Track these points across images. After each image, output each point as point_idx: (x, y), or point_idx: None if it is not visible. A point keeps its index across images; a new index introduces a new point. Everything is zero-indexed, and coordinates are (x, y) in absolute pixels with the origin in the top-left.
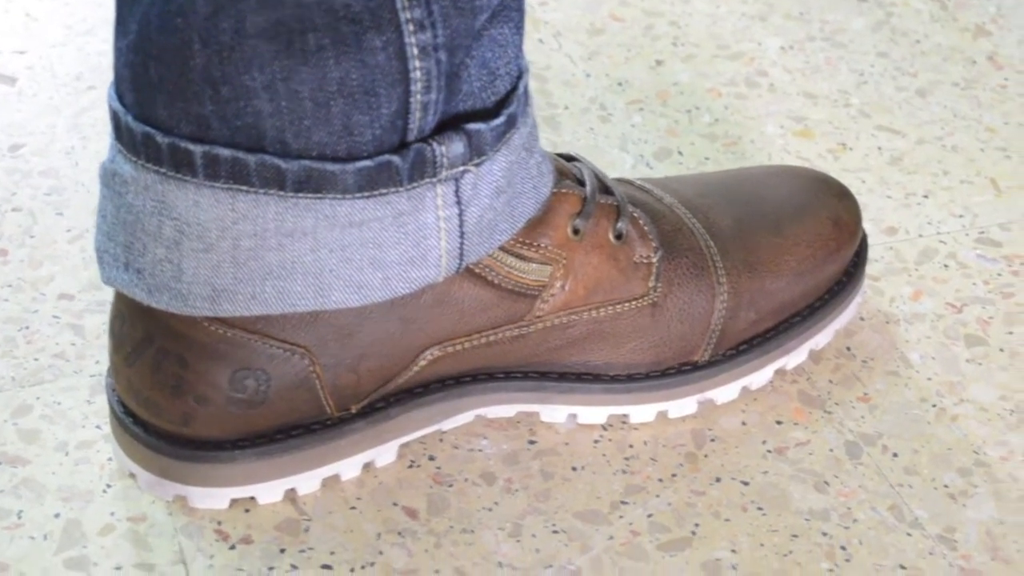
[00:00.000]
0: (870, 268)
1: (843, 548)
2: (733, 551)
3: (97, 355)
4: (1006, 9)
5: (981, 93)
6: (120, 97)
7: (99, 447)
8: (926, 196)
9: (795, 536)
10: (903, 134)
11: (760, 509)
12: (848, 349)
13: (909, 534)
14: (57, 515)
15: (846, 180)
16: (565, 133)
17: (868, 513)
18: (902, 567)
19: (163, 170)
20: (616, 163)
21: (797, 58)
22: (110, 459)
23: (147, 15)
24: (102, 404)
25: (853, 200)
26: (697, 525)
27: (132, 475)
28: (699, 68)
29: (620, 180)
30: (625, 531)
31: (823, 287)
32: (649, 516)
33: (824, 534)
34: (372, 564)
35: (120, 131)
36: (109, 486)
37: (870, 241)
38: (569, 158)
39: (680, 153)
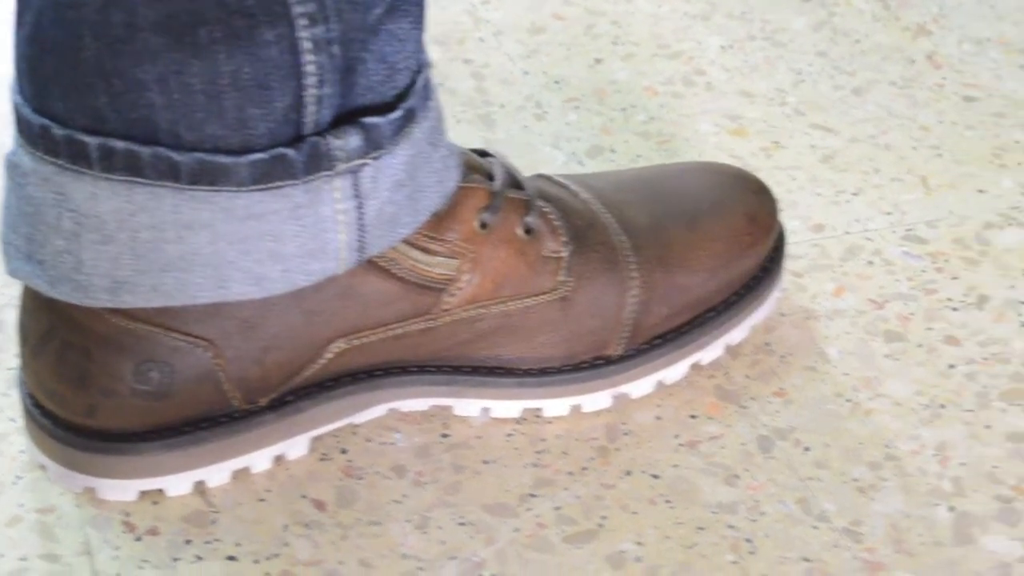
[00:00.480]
0: (794, 264)
1: (748, 540)
2: (638, 543)
3: (15, 349)
4: (948, 9)
5: (918, 92)
6: (19, 90)
7: (12, 439)
8: (855, 194)
9: (701, 528)
10: (837, 132)
11: (668, 502)
12: (767, 344)
13: (815, 527)
14: None
15: (777, 178)
16: (499, 130)
17: (776, 506)
18: (806, 559)
19: (60, 162)
20: (548, 160)
21: (736, 57)
22: (22, 451)
23: (41, 7)
24: (17, 397)
25: (770, 196)
26: (604, 518)
27: (42, 467)
28: (638, 67)
29: (539, 176)
30: (532, 523)
31: (738, 282)
32: (557, 509)
33: (730, 527)
34: (277, 555)
35: (19, 123)
36: (19, 477)
37: (797, 238)
38: (483, 153)
39: (613, 151)
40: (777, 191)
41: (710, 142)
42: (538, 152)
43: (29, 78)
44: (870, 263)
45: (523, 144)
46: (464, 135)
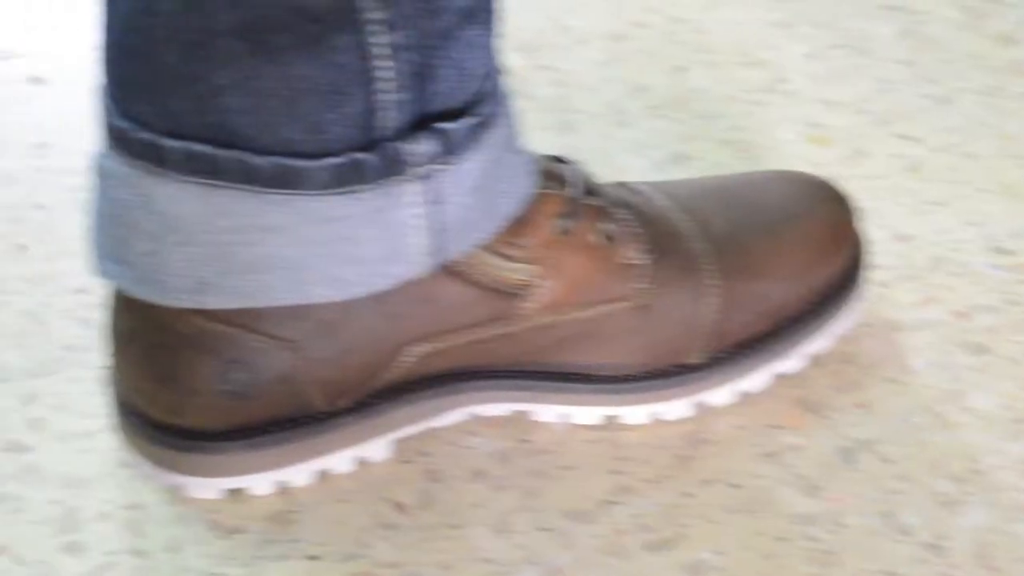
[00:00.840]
0: (879, 275)
1: (829, 553)
2: (717, 552)
3: (106, 348)
4: None
5: (1004, 101)
6: (105, 94)
7: (102, 436)
8: (940, 204)
9: (781, 539)
10: (921, 141)
11: (748, 512)
12: (850, 355)
13: (898, 541)
14: (57, 501)
15: (860, 187)
16: (580, 137)
17: (857, 519)
18: (888, 573)
19: (144, 165)
20: (628, 167)
21: (819, 65)
22: (112, 448)
23: (124, 14)
24: (108, 395)
25: (850, 204)
26: (683, 526)
27: (131, 464)
28: (719, 74)
29: (617, 183)
30: (610, 530)
31: (818, 291)
32: (636, 516)
33: (810, 538)
34: (358, 556)
35: (106, 127)
36: (109, 474)
37: (881, 248)
38: (560, 160)
39: (693, 159)
40: (861, 200)
41: (791, 150)
42: (618, 159)
43: (113, 83)
44: (955, 274)
45: (603, 151)
46: (544, 142)
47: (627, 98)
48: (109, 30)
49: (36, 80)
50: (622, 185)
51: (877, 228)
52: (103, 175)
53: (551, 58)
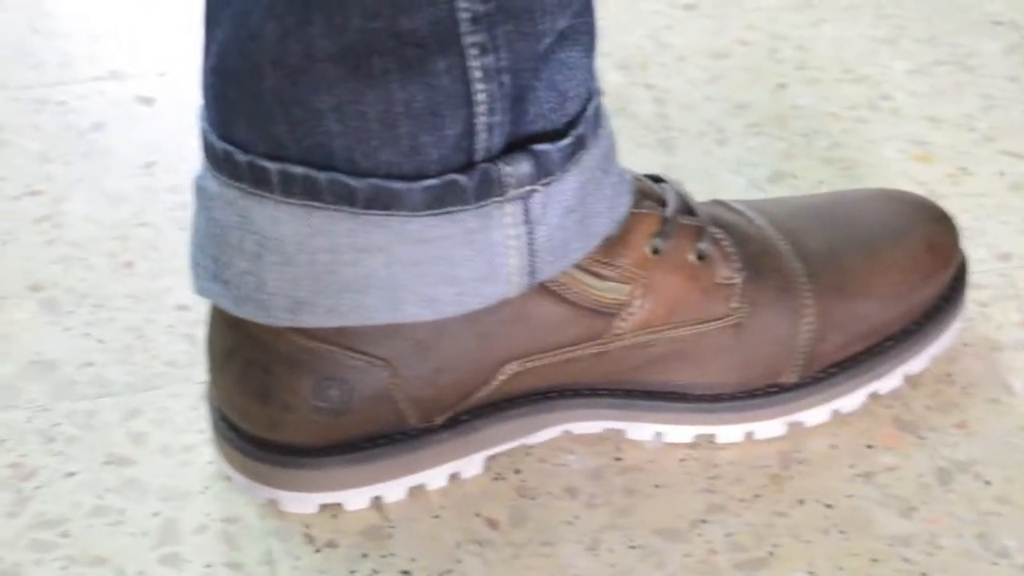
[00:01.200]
0: (979, 294)
1: (924, 575)
2: (810, 573)
3: (205, 364)
4: None
5: None
6: (206, 117)
7: (201, 450)
8: None
9: (875, 560)
10: None
11: (842, 532)
12: (948, 375)
13: (995, 563)
14: (156, 514)
15: (963, 205)
16: (679, 156)
17: (954, 540)
18: None
19: (243, 186)
20: (728, 186)
21: (923, 82)
22: (210, 462)
23: (225, 39)
24: (206, 410)
25: (951, 223)
26: (775, 546)
27: (229, 478)
28: (822, 92)
29: (715, 202)
30: (702, 549)
31: (917, 311)
32: (728, 535)
33: (906, 560)
34: (450, 572)
35: (206, 149)
36: (207, 488)
37: (983, 267)
38: (657, 179)
39: (795, 177)
40: (963, 219)
41: (894, 168)
42: (719, 178)
43: (214, 106)
44: None
45: (703, 170)
46: (644, 160)
47: (727, 116)
48: (209, 54)
49: (145, 100)
50: (719, 203)
51: (979, 247)
52: (203, 195)
53: (652, 76)
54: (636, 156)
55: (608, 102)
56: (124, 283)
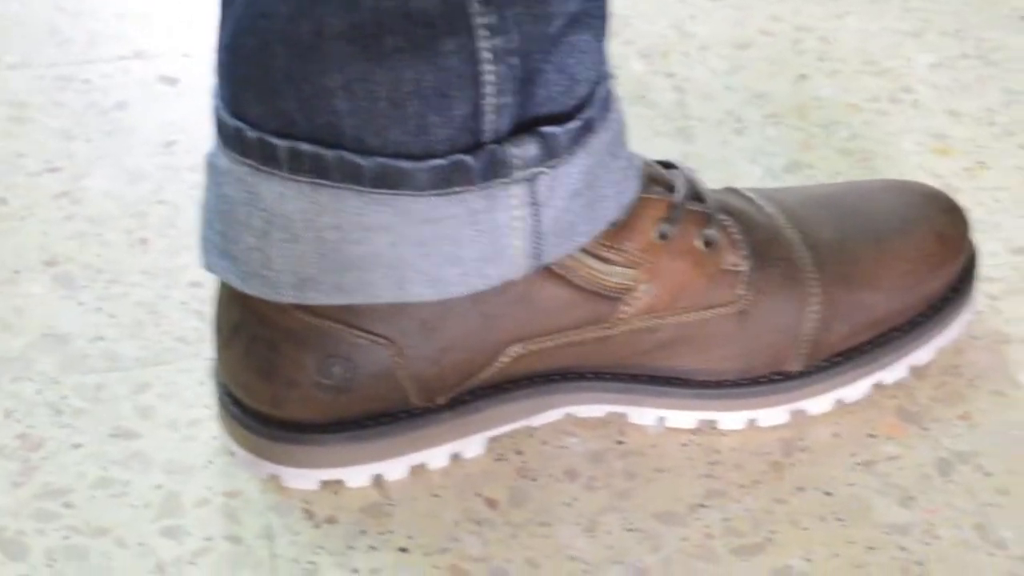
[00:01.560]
0: (991, 287)
1: (920, 564)
2: (806, 559)
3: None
4: None
5: None
6: (218, 94)
7: (206, 425)
8: None
9: (872, 549)
10: None
11: (840, 520)
12: (955, 367)
13: (992, 554)
14: (159, 486)
15: (980, 198)
16: (698, 144)
17: (951, 531)
18: None
19: (253, 163)
20: (745, 175)
21: (946, 75)
22: (215, 437)
23: (237, 17)
24: (213, 386)
25: (962, 216)
26: (773, 532)
27: (232, 453)
28: (843, 83)
29: (727, 189)
30: (699, 533)
31: (925, 303)
32: (726, 520)
33: (902, 549)
34: (447, 550)
35: (217, 126)
36: (211, 462)
37: (996, 260)
38: (667, 165)
39: (812, 167)
40: (979, 212)
41: (912, 161)
42: (736, 167)
43: (226, 83)
44: None
45: (721, 158)
46: (662, 148)
47: (747, 106)
48: (223, 32)
49: (168, 80)
50: (732, 191)
51: (994, 240)
52: (213, 172)
53: (674, 65)
54: (654, 144)
55: (629, 90)
56: (139, 259)
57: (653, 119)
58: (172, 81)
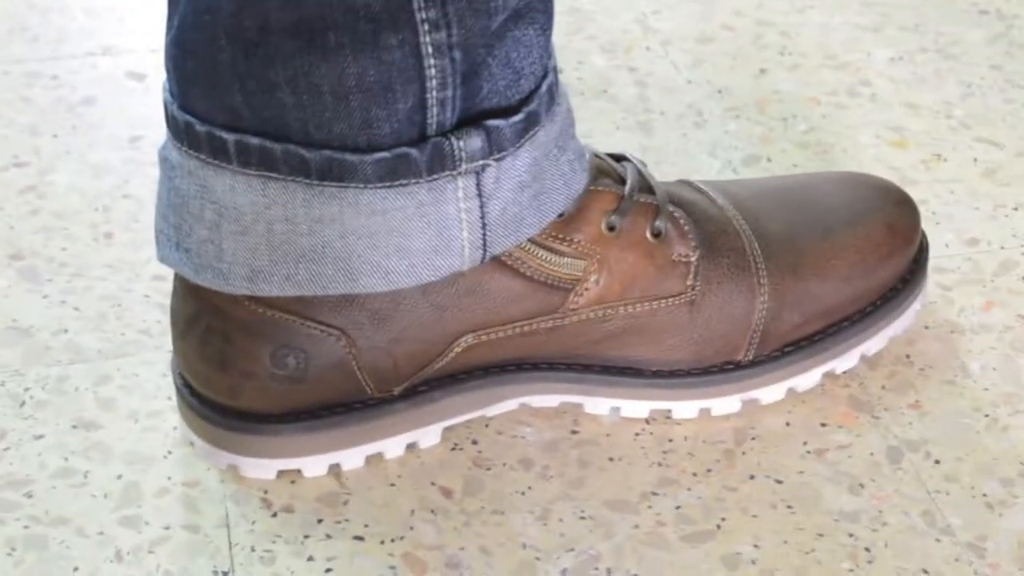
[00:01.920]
0: (944, 278)
1: (867, 550)
2: (755, 546)
3: None
4: None
5: None
6: (168, 89)
7: (167, 416)
8: (1016, 209)
9: (820, 535)
10: (1002, 147)
11: (790, 508)
12: (907, 356)
13: (938, 540)
14: (119, 476)
15: (935, 190)
16: (657, 138)
17: (899, 517)
18: (925, 571)
19: (203, 157)
20: (703, 168)
21: (905, 69)
22: (175, 428)
23: (184, 13)
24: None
25: (912, 207)
26: (723, 519)
27: (191, 443)
28: (803, 77)
29: (681, 181)
30: (651, 521)
31: (875, 293)
32: (677, 508)
33: (850, 535)
34: (402, 538)
35: (168, 120)
36: (170, 452)
37: (950, 251)
38: (619, 158)
39: (769, 160)
40: (934, 204)
41: (869, 153)
42: (695, 160)
43: (175, 78)
44: (1023, 278)
45: (680, 152)
46: (622, 142)
47: (708, 100)
48: (170, 27)
49: (136, 76)
50: (686, 183)
51: (948, 232)
52: (166, 165)
53: (636, 60)
54: (615, 138)
55: (591, 84)
56: (103, 253)
57: (614, 113)
58: (140, 77)
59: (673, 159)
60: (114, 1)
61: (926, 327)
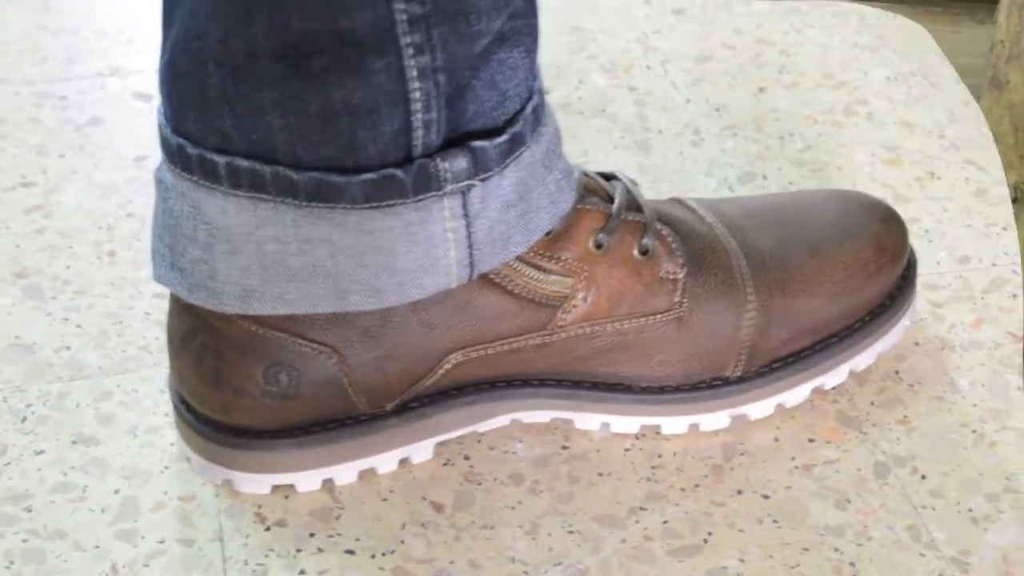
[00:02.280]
0: (935, 295)
1: (852, 564)
2: (741, 560)
3: None
4: None
5: None
6: (162, 112)
7: (164, 432)
8: (1006, 228)
9: (806, 550)
10: (988, 170)
11: (776, 522)
12: (896, 372)
13: (922, 554)
14: (117, 491)
15: (928, 208)
16: (654, 156)
17: (884, 532)
18: None
19: (195, 178)
20: (699, 186)
21: (900, 89)
22: (172, 444)
23: (175, 38)
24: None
25: (900, 224)
26: (710, 534)
27: (188, 459)
28: (800, 96)
29: (671, 199)
30: (639, 535)
31: (863, 309)
32: (665, 523)
33: (836, 550)
34: (392, 551)
35: (162, 142)
36: (167, 467)
37: (941, 269)
38: (609, 176)
39: (765, 178)
40: (926, 221)
41: (864, 171)
42: (691, 178)
43: (168, 102)
44: (1014, 296)
45: (677, 170)
46: (620, 160)
47: (706, 118)
48: (163, 52)
49: (143, 96)
50: (676, 201)
51: (939, 249)
52: (161, 187)
53: (636, 79)
54: (613, 157)
55: (590, 104)
56: (106, 271)
57: (612, 132)
58: (147, 98)
59: (670, 177)
60: (124, 23)
61: (916, 343)
